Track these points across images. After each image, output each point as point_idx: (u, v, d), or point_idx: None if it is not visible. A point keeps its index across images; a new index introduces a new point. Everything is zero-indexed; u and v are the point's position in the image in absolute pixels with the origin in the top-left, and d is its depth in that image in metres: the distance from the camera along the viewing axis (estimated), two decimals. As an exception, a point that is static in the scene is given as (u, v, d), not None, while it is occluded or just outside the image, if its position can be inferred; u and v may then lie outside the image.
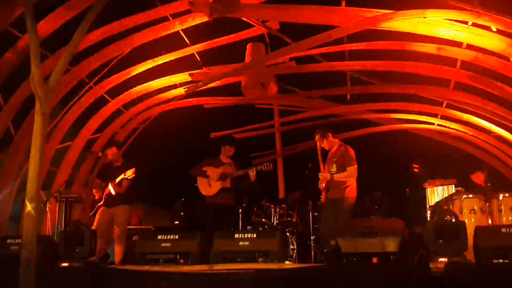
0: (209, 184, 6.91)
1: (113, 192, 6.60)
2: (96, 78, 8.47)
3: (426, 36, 6.62)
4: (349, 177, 6.23)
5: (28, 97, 7.48)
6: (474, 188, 7.54)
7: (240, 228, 7.91)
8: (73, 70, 7.90)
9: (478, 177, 7.83)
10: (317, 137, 6.59)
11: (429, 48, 7.21)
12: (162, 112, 10.40)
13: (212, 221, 6.79)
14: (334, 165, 6.35)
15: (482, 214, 6.33)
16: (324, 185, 6.36)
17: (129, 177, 6.54)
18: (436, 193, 8.35)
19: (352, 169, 6.25)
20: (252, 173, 6.76)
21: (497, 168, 10.20)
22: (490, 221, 6.33)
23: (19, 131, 7.94)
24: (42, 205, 7.26)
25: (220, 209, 6.86)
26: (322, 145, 6.59)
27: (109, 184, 6.62)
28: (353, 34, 6.64)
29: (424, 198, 8.25)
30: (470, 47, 6.92)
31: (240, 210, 8.46)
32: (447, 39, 6.73)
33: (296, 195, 9.46)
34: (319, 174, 6.44)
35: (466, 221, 6.06)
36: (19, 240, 5.22)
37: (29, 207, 4.20)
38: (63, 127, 8.89)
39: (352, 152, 6.36)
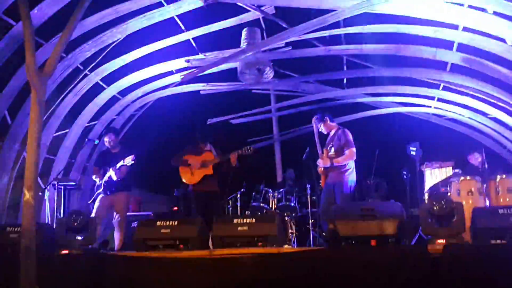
0: (192, 173, 6.85)
1: (114, 178, 6.61)
2: (92, 65, 8.41)
3: (423, 18, 6.59)
4: (348, 160, 6.25)
5: (24, 85, 7.45)
6: (471, 169, 7.57)
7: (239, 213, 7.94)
8: (68, 57, 7.85)
9: (475, 159, 7.86)
10: (315, 121, 6.60)
11: (426, 31, 7.18)
12: (159, 98, 10.36)
13: (199, 209, 6.77)
14: (333, 148, 6.37)
15: (479, 195, 6.35)
16: (323, 169, 6.39)
17: (128, 164, 6.56)
18: (433, 176, 8.38)
19: (351, 152, 6.27)
20: (233, 158, 6.73)
21: (494, 150, 10.22)
22: (487, 202, 6.36)
23: (15, 119, 7.91)
24: (40, 193, 7.26)
25: (206, 196, 6.83)
26: (320, 129, 6.59)
27: (109, 170, 6.63)
28: (349, 17, 6.59)
29: (421, 180, 8.27)
30: (466, 29, 6.90)
31: (239, 196, 8.50)
32: (444, 22, 6.70)
33: (290, 173, 9.48)
34: (318, 160, 6.45)
35: (464, 202, 6.10)
36: (19, 228, 5.22)
37: (27, 195, 4.21)
38: (59, 115, 8.86)
39: (349, 135, 6.38)
